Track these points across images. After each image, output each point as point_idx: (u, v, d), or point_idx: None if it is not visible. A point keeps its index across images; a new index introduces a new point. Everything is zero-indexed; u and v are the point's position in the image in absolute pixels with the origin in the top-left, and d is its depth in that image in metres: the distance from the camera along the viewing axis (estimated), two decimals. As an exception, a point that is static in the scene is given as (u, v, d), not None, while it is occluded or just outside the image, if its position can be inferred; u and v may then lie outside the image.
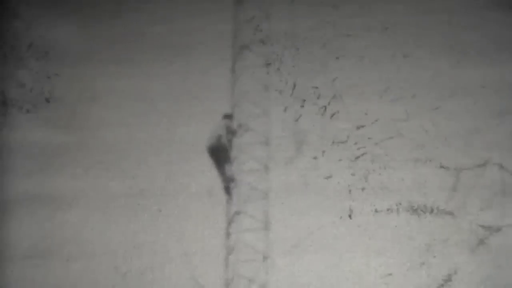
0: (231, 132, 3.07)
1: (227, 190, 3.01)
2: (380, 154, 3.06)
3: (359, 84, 3.17)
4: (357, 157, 3.06)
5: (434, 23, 3.23)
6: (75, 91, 3.20)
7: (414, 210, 2.98)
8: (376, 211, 2.98)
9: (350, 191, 3.01)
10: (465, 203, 2.98)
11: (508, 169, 3.01)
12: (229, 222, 2.99)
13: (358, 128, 3.11)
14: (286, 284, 2.92)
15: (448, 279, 2.89)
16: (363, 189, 3.01)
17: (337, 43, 3.23)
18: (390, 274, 2.91)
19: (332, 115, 3.13)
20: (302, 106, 3.14)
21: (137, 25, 3.30)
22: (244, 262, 2.95)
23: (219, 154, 3.03)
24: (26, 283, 2.97)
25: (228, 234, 2.99)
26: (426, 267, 2.91)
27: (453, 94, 3.13)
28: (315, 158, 3.06)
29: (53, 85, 3.21)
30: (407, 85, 3.16)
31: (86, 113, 3.17)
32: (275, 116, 3.14)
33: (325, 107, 3.14)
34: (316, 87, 3.18)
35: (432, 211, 2.97)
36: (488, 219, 2.95)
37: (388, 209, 2.98)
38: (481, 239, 2.92)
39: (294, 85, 3.17)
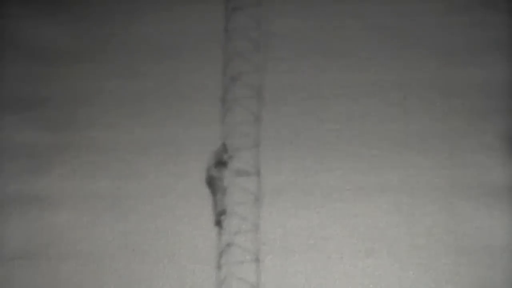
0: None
1: (218, 222, 2.97)
2: (368, 154, 3.07)
3: (347, 85, 3.17)
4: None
5: (422, 24, 3.23)
6: (63, 91, 3.18)
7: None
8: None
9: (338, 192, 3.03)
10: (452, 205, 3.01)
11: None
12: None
13: (346, 129, 3.11)
14: (274, 285, 2.93)
15: (437, 279, 2.91)
16: (349, 189, 3.02)
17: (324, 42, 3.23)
18: (378, 275, 2.92)
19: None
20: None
21: (126, 25, 3.29)
22: (235, 263, 2.96)
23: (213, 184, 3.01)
24: (14, 284, 2.96)
25: (219, 238, 3.00)
26: (415, 268, 2.93)
27: (441, 95, 3.14)
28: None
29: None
30: (396, 86, 3.16)
31: (74, 114, 3.15)
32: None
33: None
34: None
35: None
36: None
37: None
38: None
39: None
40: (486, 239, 2.94)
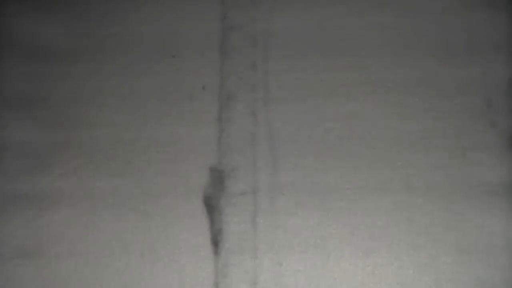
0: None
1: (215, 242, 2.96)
2: (368, 154, 3.07)
3: (346, 84, 3.17)
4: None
5: (422, 23, 3.23)
6: (63, 90, 3.18)
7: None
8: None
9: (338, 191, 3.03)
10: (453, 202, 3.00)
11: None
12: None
13: (346, 128, 3.11)
14: (274, 283, 2.93)
15: (437, 279, 2.91)
16: (349, 189, 3.02)
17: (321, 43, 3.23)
18: (378, 274, 2.91)
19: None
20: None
21: (125, 24, 3.29)
22: (232, 261, 2.96)
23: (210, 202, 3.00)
24: (14, 283, 2.96)
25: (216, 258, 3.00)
26: (415, 267, 2.92)
27: (441, 94, 3.14)
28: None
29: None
30: (395, 86, 3.16)
31: (74, 113, 3.15)
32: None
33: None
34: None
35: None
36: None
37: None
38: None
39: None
40: (486, 239, 2.94)
